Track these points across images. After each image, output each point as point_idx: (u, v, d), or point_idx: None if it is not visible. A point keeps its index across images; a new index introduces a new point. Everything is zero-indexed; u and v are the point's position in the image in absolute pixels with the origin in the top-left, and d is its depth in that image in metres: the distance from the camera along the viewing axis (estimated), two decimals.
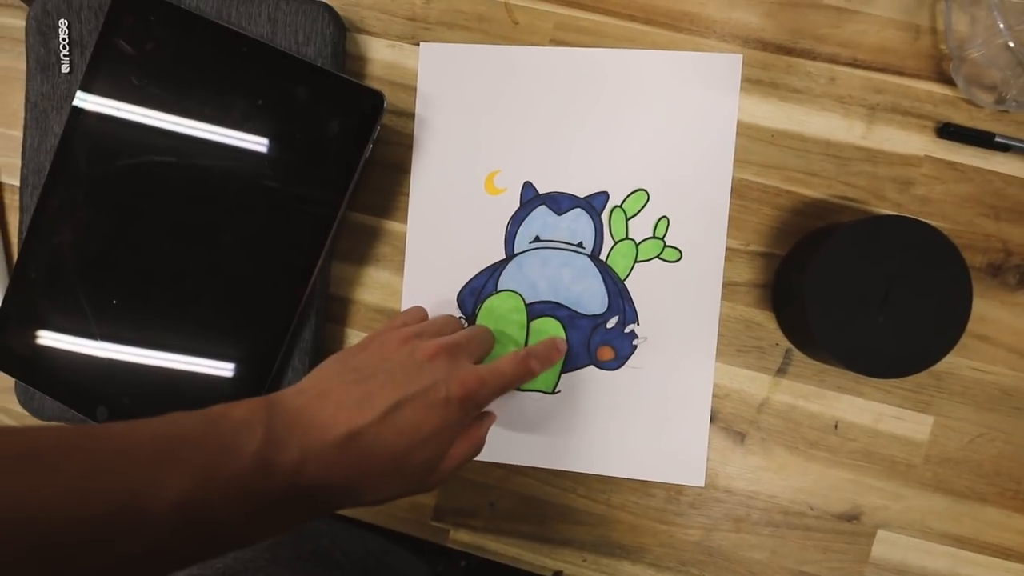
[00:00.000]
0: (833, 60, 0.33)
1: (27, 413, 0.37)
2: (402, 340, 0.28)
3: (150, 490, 0.20)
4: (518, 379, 0.29)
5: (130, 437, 0.21)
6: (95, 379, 0.35)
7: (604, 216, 0.34)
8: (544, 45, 0.34)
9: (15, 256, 0.36)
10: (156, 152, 0.34)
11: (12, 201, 0.39)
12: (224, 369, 0.33)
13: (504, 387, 0.28)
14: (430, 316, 0.33)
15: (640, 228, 0.34)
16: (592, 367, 0.34)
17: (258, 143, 0.33)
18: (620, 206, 0.34)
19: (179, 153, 0.33)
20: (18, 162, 0.37)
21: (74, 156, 0.34)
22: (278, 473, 0.23)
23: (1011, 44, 0.29)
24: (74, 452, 0.20)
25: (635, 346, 0.34)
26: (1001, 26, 0.29)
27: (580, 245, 0.34)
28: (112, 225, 0.34)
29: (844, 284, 0.29)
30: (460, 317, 0.35)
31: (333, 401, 0.25)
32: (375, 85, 0.33)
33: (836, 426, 0.33)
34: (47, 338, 0.35)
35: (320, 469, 0.24)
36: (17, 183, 0.37)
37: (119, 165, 0.34)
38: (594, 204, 0.34)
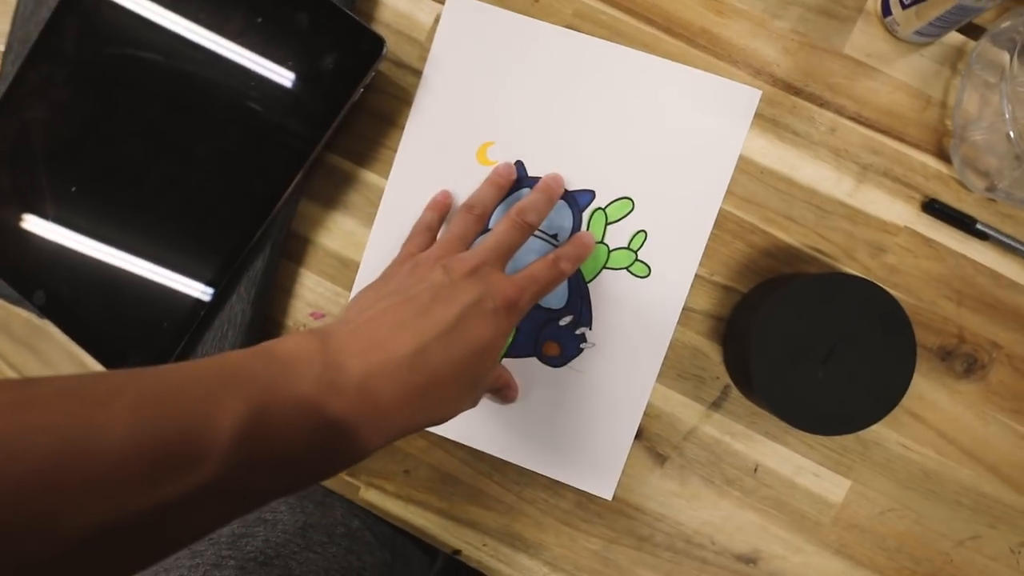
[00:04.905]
0: (839, 111, 0.33)
1: None
2: (433, 260, 0.28)
3: (207, 418, 0.19)
4: (552, 283, 0.30)
5: (178, 374, 0.20)
6: (40, 262, 0.34)
7: (585, 214, 0.34)
8: None
9: None
10: (146, 47, 0.33)
11: None
12: (168, 279, 0.33)
13: (541, 292, 0.29)
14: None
15: (617, 236, 0.34)
16: (534, 359, 0.34)
17: (248, 60, 0.32)
18: (603, 209, 0.34)
19: (168, 53, 0.32)
20: (7, 27, 0.35)
21: (63, 34, 0.33)
22: (343, 394, 0.22)
23: (1011, 134, 0.29)
24: (125, 387, 0.19)
25: (582, 349, 0.34)
26: (1007, 115, 0.29)
27: (555, 237, 0.34)
28: (87, 112, 0.33)
29: (792, 333, 0.29)
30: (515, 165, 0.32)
31: (387, 322, 0.25)
32: (381, 31, 0.33)
33: (756, 469, 0.33)
34: None
35: (390, 388, 0.23)
36: (1, 47, 0.36)
37: (106, 52, 0.33)
38: (579, 200, 0.34)
